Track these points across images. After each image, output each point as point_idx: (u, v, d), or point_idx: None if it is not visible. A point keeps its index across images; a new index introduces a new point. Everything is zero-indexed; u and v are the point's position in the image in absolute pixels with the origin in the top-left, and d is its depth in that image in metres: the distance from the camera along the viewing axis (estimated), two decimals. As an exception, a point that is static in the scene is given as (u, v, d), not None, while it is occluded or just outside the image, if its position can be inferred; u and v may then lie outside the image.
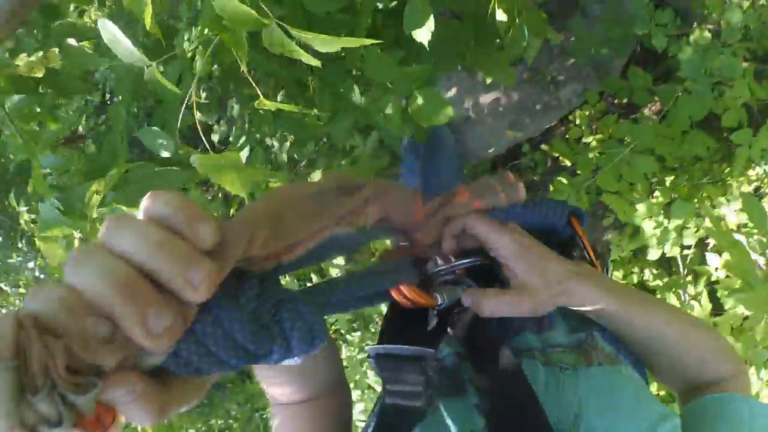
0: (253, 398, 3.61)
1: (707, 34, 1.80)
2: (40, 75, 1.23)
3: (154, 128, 1.20)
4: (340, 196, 0.57)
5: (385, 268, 0.67)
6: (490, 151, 2.42)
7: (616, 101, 2.47)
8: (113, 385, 0.36)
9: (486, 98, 2.29)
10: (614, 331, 0.80)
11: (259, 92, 1.18)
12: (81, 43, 1.23)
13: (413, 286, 0.68)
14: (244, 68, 1.00)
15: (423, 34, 1.13)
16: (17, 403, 0.33)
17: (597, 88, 2.24)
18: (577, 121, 2.23)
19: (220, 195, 2.99)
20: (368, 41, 0.87)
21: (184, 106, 1.11)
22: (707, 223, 2.07)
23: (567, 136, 2.14)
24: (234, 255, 0.41)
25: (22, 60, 1.25)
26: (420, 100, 1.22)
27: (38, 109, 1.38)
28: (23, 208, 2.34)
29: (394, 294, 0.67)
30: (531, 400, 0.66)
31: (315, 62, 0.90)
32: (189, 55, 1.18)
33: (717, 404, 0.75)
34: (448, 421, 0.70)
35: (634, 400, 0.69)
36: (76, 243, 1.34)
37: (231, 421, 3.84)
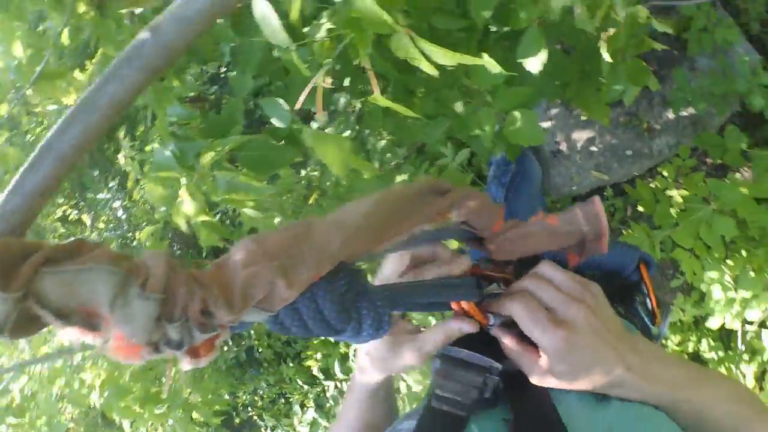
0: (283, 382, 3.67)
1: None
2: None
3: (276, 99, 1.29)
4: (432, 196, 0.67)
5: (451, 282, 0.71)
6: (573, 188, 2.44)
7: (708, 160, 2.46)
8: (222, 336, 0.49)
9: (579, 135, 2.32)
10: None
11: (377, 89, 1.26)
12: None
13: (472, 303, 0.72)
14: (367, 66, 1.06)
15: (534, 64, 1.19)
16: (154, 325, 0.43)
17: (691, 144, 2.24)
18: (665, 173, 2.23)
19: (304, 181, 3.08)
20: (482, 61, 0.92)
21: (320, 86, 1.16)
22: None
23: (652, 184, 2.15)
24: (337, 258, 0.54)
25: None
26: (517, 120, 1.27)
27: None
28: (126, 144, 2.47)
29: (453, 305, 0.73)
30: (557, 423, 0.68)
31: (433, 71, 0.94)
32: (319, 44, 1.26)
33: None
34: (488, 430, 0.72)
35: None
36: (182, 190, 1.40)
37: (257, 398, 3.90)
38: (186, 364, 0.48)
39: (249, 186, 1.30)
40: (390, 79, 1.65)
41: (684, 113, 2.24)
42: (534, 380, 0.70)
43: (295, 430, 3.39)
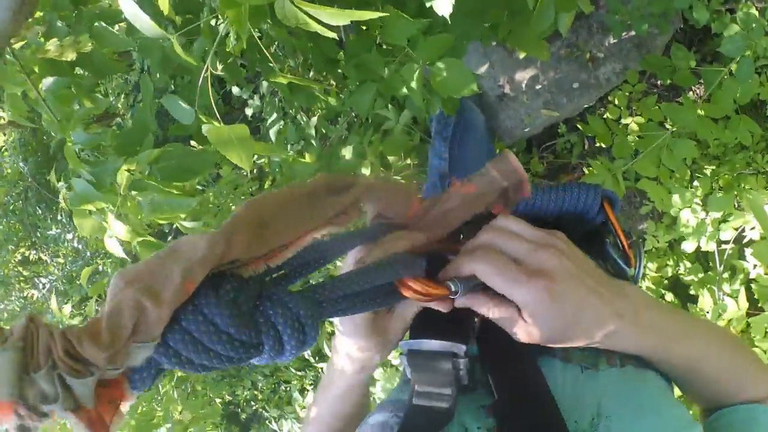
0: (278, 371, 3.66)
1: (754, 11, 1.70)
2: (71, 58, 1.28)
3: (176, 97, 1.23)
4: (330, 197, 0.57)
5: (386, 261, 0.61)
6: (525, 130, 2.34)
7: (658, 83, 2.37)
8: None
9: (522, 75, 2.21)
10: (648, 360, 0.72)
11: (275, 66, 1.17)
12: (117, 25, 1.30)
13: (420, 278, 0.62)
14: (261, 45, 1.01)
15: (443, 5, 1.06)
16: (21, 378, 0.39)
17: (638, 67, 2.14)
18: (616, 102, 2.14)
19: (254, 171, 3.01)
20: (376, 14, 0.83)
21: (207, 77, 1.11)
22: (747, 216, 1.98)
23: (605, 116, 2.05)
24: (208, 260, 0.46)
25: (53, 44, 1.27)
26: (442, 70, 1.16)
27: (74, 90, 1.44)
28: (62, 184, 2.39)
29: (404, 291, 0.62)
30: (547, 400, 0.62)
31: (329, 33, 0.87)
32: (203, 30, 1.17)
33: (748, 414, 0.72)
34: (465, 419, 0.66)
35: (658, 405, 0.65)
36: (109, 217, 1.36)
37: (256, 392, 3.91)
38: None
39: (171, 203, 1.24)
40: (306, 51, 1.56)
41: (626, 37, 2.14)
42: (522, 340, 0.62)
43: (298, 415, 3.43)
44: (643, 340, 0.65)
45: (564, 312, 0.59)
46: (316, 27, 0.87)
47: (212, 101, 1.08)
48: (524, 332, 0.61)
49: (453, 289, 0.62)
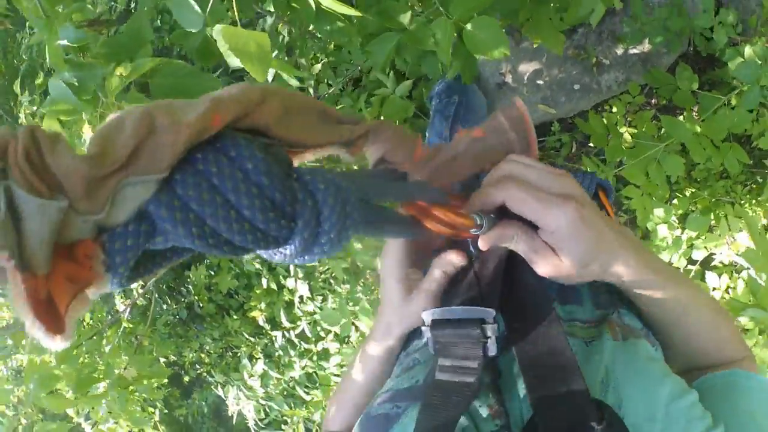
0: (228, 335, 3.57)
1: (766, 47, 1.73)
2: None
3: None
4: (342, 123, 0.52)
5: (412, 184, 0.59)
6: (518, 123, 2.34)
7: (654, 101, 2.41)
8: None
9: (525, 67, 2.21)
10: (640, 302, 0.74)
11: None
12: None
13: (446, 206, 0.59)
14: None
15: None
16: None
17: (640, 81, 2.17)
18: (614, 109, 2.15)
19: None
20: None
21: None
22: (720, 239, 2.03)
23: (603, 119, 2.07)
24: (242, 101, 0.36)
25: None
26: (478, 27, 1.14)
27: None
28: (26, 99, 2.24)
29: (426, 222, 0.59)
30: (571, 364, 0.61)
31: None
32: None
33: (728, 378, 0.74)
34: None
35: (658, 372, 0.66)
36: (85, 128, 1.25)
37: (203, 355, 3.83)
38: (30, 321, 0.28)
39: None
40: None
41: (633, 50, 2.16)
42: (545, 273, 0.62)
43: (245, 383, 3.28)
44: (640, 277, 0.66)
45: (590, 236, 0.59)
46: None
47: (234, 4, 1.00)
48: (549, 264, 0.61)
49: (478, 222, 0.60)
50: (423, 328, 0.69)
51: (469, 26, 1.17)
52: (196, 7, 1.08)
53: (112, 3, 3.25)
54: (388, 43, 1.33)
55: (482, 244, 0.61)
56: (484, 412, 0.64)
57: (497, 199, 0.60)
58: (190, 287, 3.55)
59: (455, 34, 1.21)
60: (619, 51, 2.15)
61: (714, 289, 2.10)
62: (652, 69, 2.10)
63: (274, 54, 2.18)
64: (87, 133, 1.23)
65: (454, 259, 0.67)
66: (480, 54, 1.17)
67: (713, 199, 2.19)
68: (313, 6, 1.19)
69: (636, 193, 1.93)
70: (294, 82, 1.53)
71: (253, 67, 0.96)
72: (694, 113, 2.34)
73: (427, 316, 0.68)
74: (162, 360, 3.74)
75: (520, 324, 0.65)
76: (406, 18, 1.29)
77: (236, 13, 1.08)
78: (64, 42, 1.17)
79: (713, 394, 0.71)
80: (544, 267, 0.61)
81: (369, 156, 0.61)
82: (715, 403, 0.68)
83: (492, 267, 0.68)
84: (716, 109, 1.87)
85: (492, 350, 0.63)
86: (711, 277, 2.10)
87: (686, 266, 2.15)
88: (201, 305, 3.56)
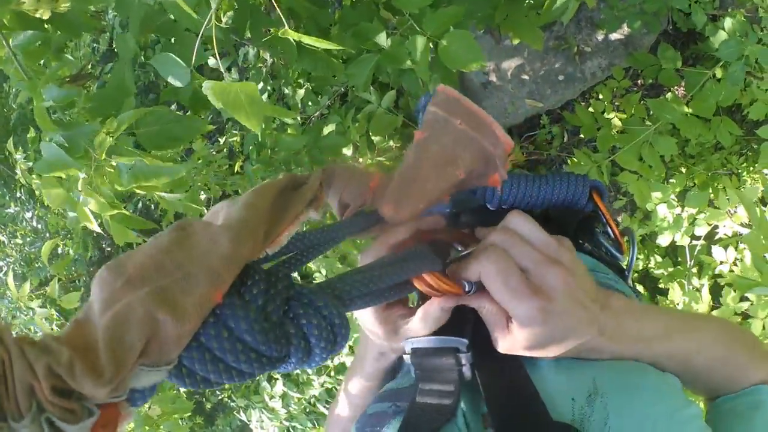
0: None
1: (743, 19, 1.73)
2: (46, 16, 1.18)
3: (170, 55, 1.13)
4: (296, 189, 0.56)
5: (406, 255, 0.60)
6: (508, 119, 2.35)
7: (640, 82, 2.41)
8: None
9: (508, 64, 2.21)
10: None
11: (285, 23, 1.11)
12: None
13: (437, 274, 0.61)
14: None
15: None
16: None
17: (623, 64, 2.17)
18: (600, 96, 2.15)
19: (225, 150, 2.96)
20: None
21: (200, 36, 1.04)
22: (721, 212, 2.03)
23: (590, 109, 2.07)
24: (236, 261, 0.40)
25: None
26: (452, 41, 1.15)
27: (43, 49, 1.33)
28: (20, 156, 2.26)
29: (417, 284, 0.61)
30: (525, 381, 0.64)
31: None
32: None
33: (752, 397, 0.71)
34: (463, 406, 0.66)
35: (655, 382, 0.64)
36: (80, 185, 1.23)
37: None
38: None
39: (157, 169, 1.14)
40: (301, 17, 1.51)
41: (614, 35, 2.16)
42: (501, 350, 0.63)
43: (267, 405, 3.30)
44: (623, 351, 0.65)
45: (552, 333, 0.59)
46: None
47: (218, 58, 1.02)
48: (506, 342, 0.61)
49: (467, 289, 0.62)
50: (404, 356, 0.71)
51: (444, 41, 1.18)
52: (182, 63, 1.11)
53: (94, 45, 3.26)
54: (366, 64, 1.34)
55: (463, 301, 0.63)
56: (478, 420, 0.65)
57: (473, 274, 0.60)
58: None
59: (432, 48, 1.22)
60: (600, 37, 2.15)
61: (721, 262, 2.10)
62: (634, 52, 2.11)
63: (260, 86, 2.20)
64: (83, 191, 1.22)
65: (444, 304, 0.64)
66: (457, 68, 1.17)
67: (710, 173, 2.19)
68: (295, 45, 1.21)
69: (632, 178, 1.93)
70: (289, 121, 1.54)
71: (247, 120, 0.98)
72: (682, 90, 2.34)
73: (407, 346, 0.70)
74: (182, 389, 3.73)
75: (485, 355, 0.66)
76: (381, 38, 1.29)
77: (218, 59, 1.09)
78: (50, 102, 1.20)
79: (734, 417, 0.70)
80: (501, 343, 0.62)
81: (331, 203, 0.63)
82: (735, 425, 0.68)
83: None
84: (703, 84, 1.87)
85: (467, 375, 0.65)
86: (717, 251, 2.10)
87: (690, 243, 2.15)
88: None
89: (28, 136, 2.48)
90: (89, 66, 3.46)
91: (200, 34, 1.06)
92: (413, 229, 0.65)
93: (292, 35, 1.03)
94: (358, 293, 0.52)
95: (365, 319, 0.68)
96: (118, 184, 1.20)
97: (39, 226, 4.23)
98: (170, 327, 0.34)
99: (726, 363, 0.73)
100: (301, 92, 2.14)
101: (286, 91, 2.15)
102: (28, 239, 4.35)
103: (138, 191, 1.32)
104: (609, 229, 0.98)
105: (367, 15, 1.37)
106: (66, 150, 1.14)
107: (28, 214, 4.15)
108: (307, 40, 1.03)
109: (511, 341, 0.61)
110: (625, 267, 1.00)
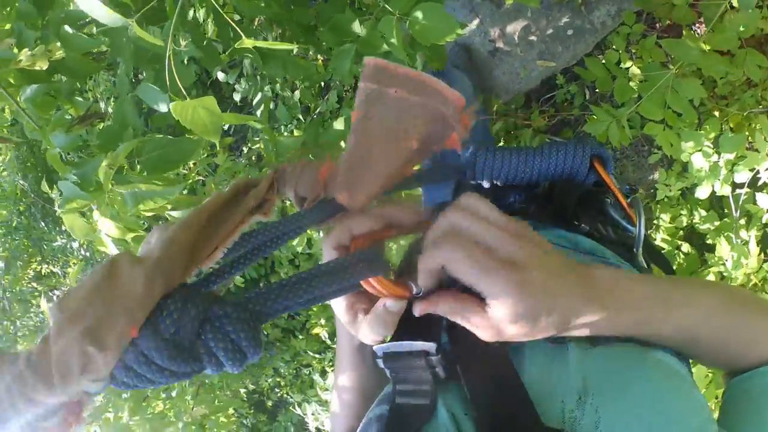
0: (298, 356, 3.68)
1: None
2: (44, 67, 1.30)
3: (150, 85, 1.22)
4: (243, 196, 0.60)
5: (350, 261, 0.58)
6: (522, 84, 2.24)
7: (656, 24, 2.26)
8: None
9: (513, 27, 2.11)
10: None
11: (241, 33, 1.11)
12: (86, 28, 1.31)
13: (380, 278, 0.59)
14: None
15: None
16: None
17: (633, 8, 2.04)
18: (615, 45, 2.03)
19: (253, 158, 2.97)
20: None
21: (170, 57, 1.07)
22: (761, 154, 1.88)
23: (603, 62, 1.95)
24: (148, 302, 0.47)
25: (23, 55, 1.28)
26: (421, 18, 1.08)
27: (54, 96, 1.47)
28: (56, 194, 2.41)
29: (364, 285, 0.59)
30: (517, 389, 0.61)
31: None
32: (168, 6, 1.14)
33: (765, 377, 0.68)
34: (453, 406, 0.65)
35: (654, 390, 0.59)
36: (95, 214, 1.37)
37: (279, 378, 3.97)
38: None
39: (153, 193, 1.22)
40: (282, 21, 1.49)
41: (619, -24, 2.03)
42: (487, 338, 0.59)
43: (321, 398, 3.46)
44: (618, 322, 0.61)
45: (535, 304, 0.55)
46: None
47: (179, 83, 1.02)
48: (489, 328, 0.57)
49: (414, 291, 0.61)
50: (377, 359, 0.72)
51: (415, 16, 1.11)
52: (159, 92, 1.20)
53: (113, 79, 3.36)
54: (346, 55, 1.30)
55: (417, 311, 0.61)
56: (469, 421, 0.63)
57: (436, 263, 0.57)
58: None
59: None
60: (605, -17, 2.03)
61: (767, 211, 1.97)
62: (643, -7, 1.97)
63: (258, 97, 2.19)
64: (100, 220, 1.34)
65: (390, 305, 0.61)
66: (432, 41, 1.10)
67: (744, 114, 2.04)
68: (257, 53, 1.21)
69: (658, 128, 1.81)
70: (258, 125, 1.53)
71: (205, 133, 1.02)
72: (700, 29, 2.19)
73: (379, 350, 0.71)
74: (242, 390, 4.00)
75: (471, 354, 0.66)
76: (356, 27, 1.24)
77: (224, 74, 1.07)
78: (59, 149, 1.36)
79: (748, 401, 0.67)
80: (485, 334, 0.58)
81: (292, 199, 0.65)
82: (749, 412, 0.65)
83: None
84: (721, 16, 1.73)
85: (441, 374, 0.66)
86: (762, 198, 1.96)
87: (734, 192, 2.01)
88: (267, 333, 3.72)
89: (60, 174, 2.59)
90: (111, 100, 3.58)
91: (167, 55, 1.07)
92: (377, 218, 0.62)
93: (248, 44, 1.02)
94: (281, 306, 0.53)
95: (335, 301, 0.67)
96: (123, 210, 1.31)
97: (87, 254, 4.44)
98: (98, 357, 0.44)
99: (733, 332, 0.69)
100: (297, 93, 2.09)
101: (286, 93, 2.10)
102: (80, 268, 4.56)
103: (148, 212, 1.40)
104: (616, 201, 0.91)
105: (339, 6, 1.33)
106: (79, 186, 1.26)
107: (75, 244, 4.34)
108: (262, 45, 1.01)
109: (494, 326, 0.57)
110: (634, 237, 0.92)
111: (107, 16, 1.02)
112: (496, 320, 0.56)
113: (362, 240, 0.62)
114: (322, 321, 3.24)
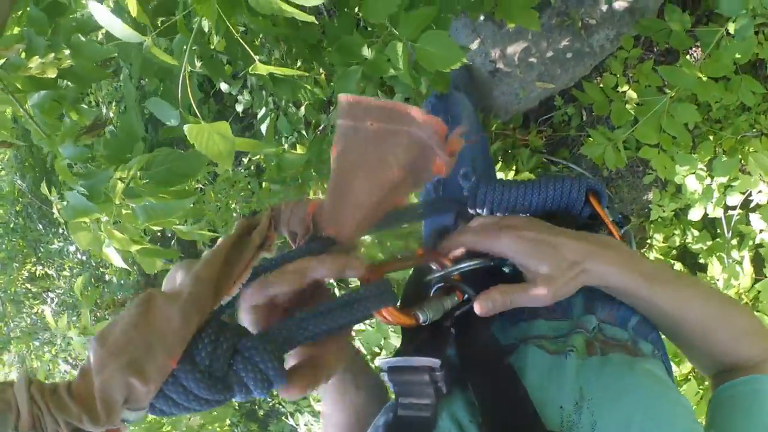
0: None
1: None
2: (53, 75, 1.30)
3: (159, 99, 1.24)
4: (248, 236, 0.64)
5: (362, 295, 0.62)
6: (520, 105, 2.28)
7: (654, 48, 2.31)
8: None
9: (514, 49, 2.15)
10: (638, 308, 0.78)
11: (254, 57, 1.13)
12: (91, 34, 1.33)
13: (392, 308, 0.64)
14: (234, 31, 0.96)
15: None
16: None
17: (632, 32, 2.08)
18: (613, 69, 2.07)
19: (252, 168, 3.00)
20: None
21: (185, 76, 1.10)
22: (753, 178, 1.93)
23: (601, 86, 1.99)
24: (185, 336, 0.51)
25: (34, 62, 1.28)
26: (427, 43, 1.11)
27: (59, 103, 1.47)
28: (55, 197, 2.41)
29: (377, 315, 0.64)
30: (522, 398, 0.67)
31: (307, 17, 0.88)
32: (179, 27, 1.17)
33: (752, 386, 0.73)
34: (457, 413, 0.70)
35: (645, 397, 0.65)
36: (108, 227, 1.40)
37: None
38: None
39: (166, 206, 1.27)
40: (289, 38, 1.52)
41: (618, 2, 2.07)
42: (548, 300, 0.70)
43: (313, 409, 3.46)
44: (625, 277, 0.72)
45: (542, 251, 0.70)
46: (291, 11, 0.87)
47: (192, 101, 1.05)
48: (526, 293, 0.70)
49: (422, 319, 0.69)
50: (382, 373, 0.76)
51: (419, 44, 1.14)
52: (170, 108, 1.22)
53: (117, 84, 3.35)
54: (352, 77, 1.32)
55: (480, 311, 0.71)
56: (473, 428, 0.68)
57: (458, 245, 0.76)
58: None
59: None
60: (604, 7, 2.07)
61: (761, 231, 2.01)
62: (641, 19, 2.02)
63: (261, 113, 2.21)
64: (107, 233, 1.38)
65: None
66: (437, 68, 1.14)
67: (738, 137, 2.09)
68: (268, 77, 1.24)
69: (653, 152, 1.85)
70: (271, 149, 1.57)
71: (219, 158, 1.05)
72: (696, 53, 2.24)
73: (384, 364, 0.75)
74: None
75: (478, 365, 0.73)
76: (364, 50, 1.27)
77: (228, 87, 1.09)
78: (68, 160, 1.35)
79: (733, 407, 0.72)
80: (525, 298, 0.70)
81: (286, 236, 0.69)
82: (733, 417, 0.70)
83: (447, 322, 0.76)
84: (717, 43, 1.78)
85: (444, 389, 0.71)
86: (755, 218, 2.00)
87: (726, 213, 2.06)
88: None
89: (60, 177, 2.58)
90: (113, 105, 3.57)
91: (182, 72, 1.10)
92: (293, 277, 0.62)
93: (262, 69, 1.05)
94: (302, 337, 0.57)
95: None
96: (135, 223, 1.36)
97: (84, 258, 4.42)
98: (140, 388, 0.48)
99: (719, 321, 0.76)
100: (302, 109, 2.12)
101: (291, 109, 2.13)
102: (75, 270, 4.55)
103: (158, 225, 1.50)
104: (610, 234, 0.96)
105: (348, 27, 1.35)
106: (88, 197, 1.27)
107: (72, 248, 4.33)
108: (275, 71, 1.05)
109: (527, 289, 0.70)
110: None
111: (126, 33, 1.05)
112: (526, 282, 0.71)
113: (370, 274, 0.66)
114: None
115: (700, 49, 2.15)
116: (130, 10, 1.05)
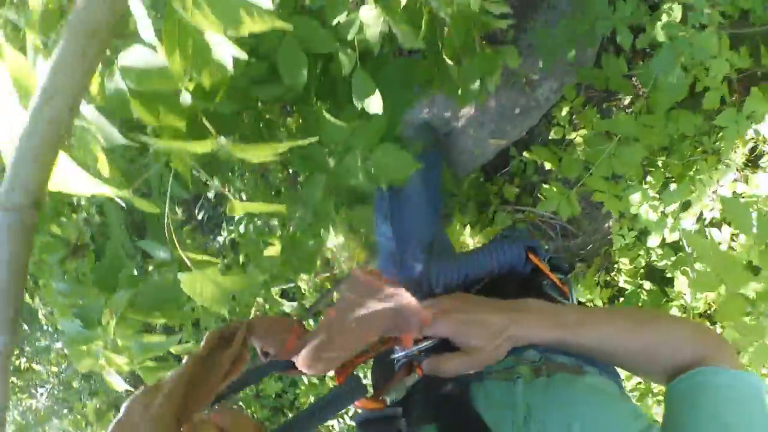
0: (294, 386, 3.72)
1: (677, 7, 1.74)
2: None
3: (151, 242, 1.30)
4: (223, 348, 0.74)
5: (344, 389, 0.75)
6: (477, 160, 2.40)
7: (596, 91, 2.43)
8: None
9: (465, 111, 2.26)
10: (571, 351, 0.87)
11: (228, 195, 1.21)
12: None
13: (362, 399, 0.79)
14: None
15: (374, 105, 1.16)
16: None
17: (574, 81, 2.21)
18: (559, 120, 2.20)
19: (226, 242, 3.04)
20: (287, 144, 0.87)
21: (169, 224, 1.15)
22: (704, 200, 2.05)
23: (550, 137, 2.11)
24: None
25: None
26: (380, 158, 1.22)
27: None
28: (38, 303, 2.42)
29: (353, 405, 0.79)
30: (474, 416, 0.82)
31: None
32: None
33: (693, 380, 0.78)
34: None
35: (585, 405, 0.79)
36: (108, 354, 1.42)
37: (297, 390, 3.87)
38: None
39: (154, 344, 1.34)
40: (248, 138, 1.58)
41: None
42: (462, 369, 0.81)
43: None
44: (546, 334, 0.80)
45: (472, 328, 0.79)
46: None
47: (177, 245, 1.12)
48: (461, 360, 0.80)
49: (388, 402, 0.83)
50: (356, 428, 0.89)
51: (374, 156, 1.24)
52: (160, 245, 1.28)
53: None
54: (317, 185, 1.40)
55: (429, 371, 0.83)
56: None
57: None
58: (240, 404, 3.76)
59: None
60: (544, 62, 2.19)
61: (719, 243, 2.11)
62: (579, 68, 2.14)
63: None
64: (105, 362, 1.40)
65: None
66: (392, 177, 1.23)
67: (684, 161, 2.21)
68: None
69: (604, 197, 1.97)
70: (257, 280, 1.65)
71: (213, 305, 1.11)
72: (639, 89, 2.36)
73: (356, 419, 0.88)
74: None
75: (437, 401, 0.87)
76: (325, 159, 1.35)
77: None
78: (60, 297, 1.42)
79: (679, 402, 0.77)
80: (458, 366, 0.80)
81: (258, 350, 0.84)
82: (680, 412, 0.75)
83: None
84: (655, 82, 1.90)
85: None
86: (714, 232, 2.13)
87: (682, 232, 2.17)
88: (255, 414, 3.77)
89: (40, 282, 2.60)
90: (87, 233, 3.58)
91: (165, 215, 1.15)
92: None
93: (238, 208, 1.10)
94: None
95: None
96: (132, 359, 1.39)
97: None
98: None
99: (659, 345, 0.83)
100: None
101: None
102: (62, 365, 4.52)
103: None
104: (551, 282, 1.11)
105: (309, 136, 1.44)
106: (83, 325, 1.33)
107: (58, 344, 4.30)
108: (251, 208, 1.10)
109: (460, 359, 0.80)
110: None
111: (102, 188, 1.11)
112: (459, 353, 0.80)
113: (342, 372, 0.83)
114: (311, 398, 3.38)
115: (639, 89, 2.28)
116: (101, 170, 1.10)
